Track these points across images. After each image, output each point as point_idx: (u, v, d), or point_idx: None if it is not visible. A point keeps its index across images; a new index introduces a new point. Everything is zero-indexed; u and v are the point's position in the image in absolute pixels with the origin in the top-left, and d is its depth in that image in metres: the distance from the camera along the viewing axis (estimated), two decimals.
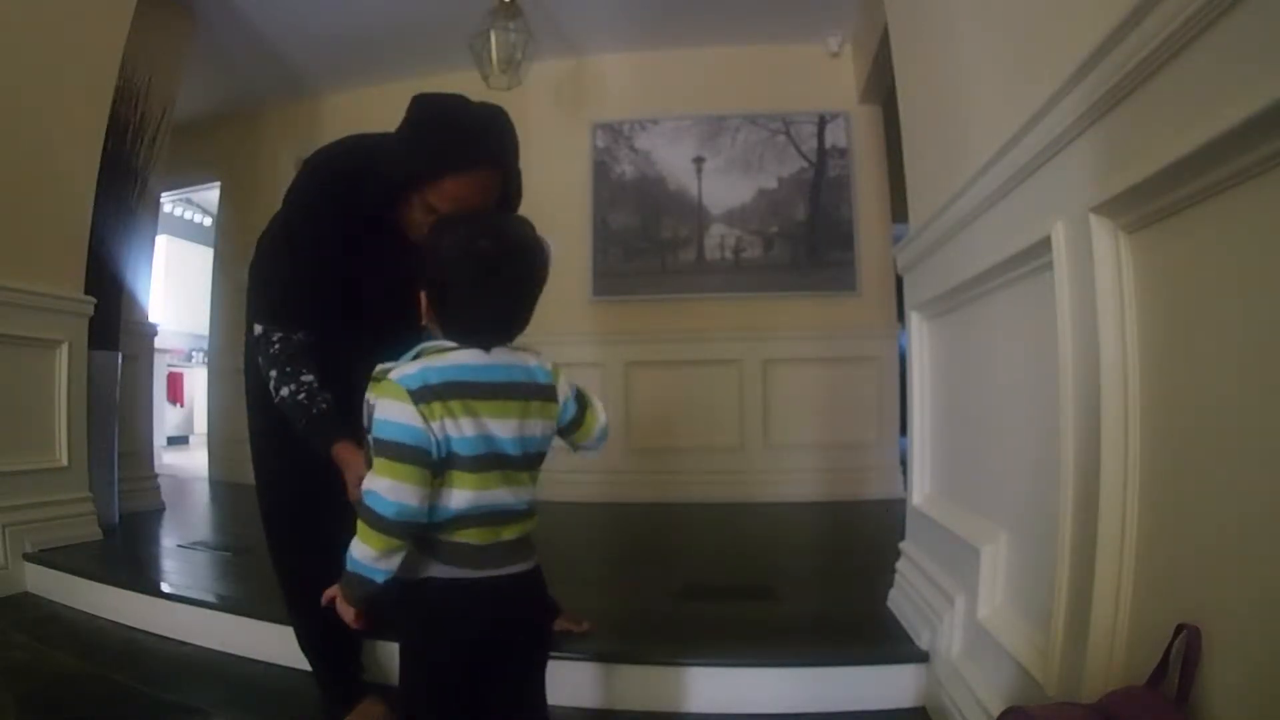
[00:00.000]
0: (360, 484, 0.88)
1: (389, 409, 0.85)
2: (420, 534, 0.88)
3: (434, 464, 0.85)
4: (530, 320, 0.94)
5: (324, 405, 1.14)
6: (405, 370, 0.87)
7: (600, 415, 1.04)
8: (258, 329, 1.19)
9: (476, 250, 0.89)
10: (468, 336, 0.90)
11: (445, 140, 1.08)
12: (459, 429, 0.86)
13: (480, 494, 0.88)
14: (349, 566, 0.87)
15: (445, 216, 0.93)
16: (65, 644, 1.68)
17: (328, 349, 1.19)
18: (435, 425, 0.85)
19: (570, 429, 1.02)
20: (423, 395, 0.85)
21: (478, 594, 0.89)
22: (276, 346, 1.17)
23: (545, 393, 0.94)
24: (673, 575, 2.05)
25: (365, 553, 0.85)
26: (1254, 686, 0.64)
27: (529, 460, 0.93)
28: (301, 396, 1.14)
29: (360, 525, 0.86)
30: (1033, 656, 1.00)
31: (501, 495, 0.89)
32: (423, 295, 0.93)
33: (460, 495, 0.87)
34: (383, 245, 1.17)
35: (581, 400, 1.02)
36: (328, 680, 1.33)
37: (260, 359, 1.19)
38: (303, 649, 1.35)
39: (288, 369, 1.15)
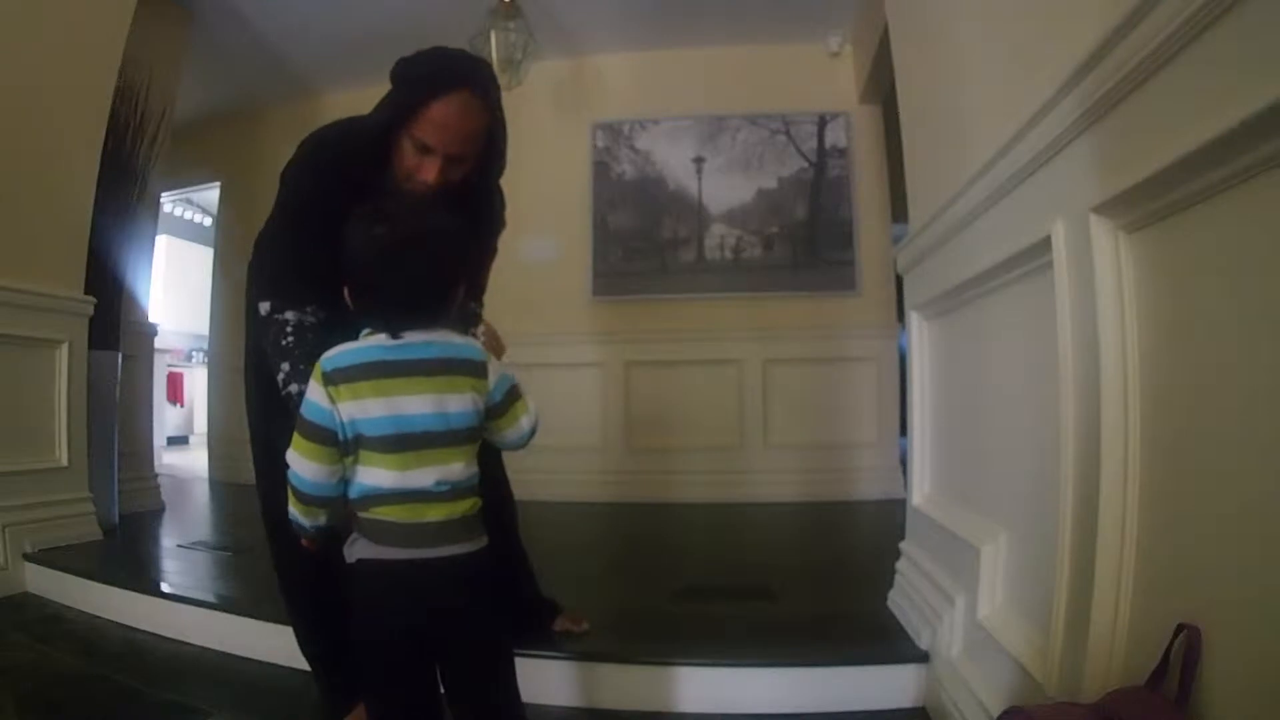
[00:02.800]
0: None
1: (309, 388, 0.91)
2: (346, 509, 0.93)
3: (339, 444, 0.89)
4: (445, 308, 0.93)
5: None
6: (331, 353, 0.91)
7: (530, 412, 0.99)
8: (264, 307, 1.17)
9: (372, 238, 0.90)
10: (375, 322, 0.92)
11: (422, 72, 1.14)
12: (364, 410, 0.88)
13: (398, 475, 0.89)
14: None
15: (357, 208, 0.93)
16: (65, 644, 1.68)
17: (331, 332, 1.17)
18: (341, 407, 0.89)
19: (493, 416, 0.97)
20: (332, 378, 0.89)
21: (402, 576, 0.89)
22: (291, 338, 1.15)
23: (474, 368, 0.93)
24: (672, 575, 2.05)
25: (290, 511, 0.95)
26: (1254, 686, 0.64)
27: (457, 436, 0.91)
28: None
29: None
30: (1033, 656, 1.00)
31: (418, 477, 0.89)
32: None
33: (376, 474, 0.90)
34: None
35: (512, 393, 0.97)
36: (327, 680, 1.33)
37: (269, 346, 1.16)
38: (301, 649, 1.35)
39: (301, 367, 1.12)
